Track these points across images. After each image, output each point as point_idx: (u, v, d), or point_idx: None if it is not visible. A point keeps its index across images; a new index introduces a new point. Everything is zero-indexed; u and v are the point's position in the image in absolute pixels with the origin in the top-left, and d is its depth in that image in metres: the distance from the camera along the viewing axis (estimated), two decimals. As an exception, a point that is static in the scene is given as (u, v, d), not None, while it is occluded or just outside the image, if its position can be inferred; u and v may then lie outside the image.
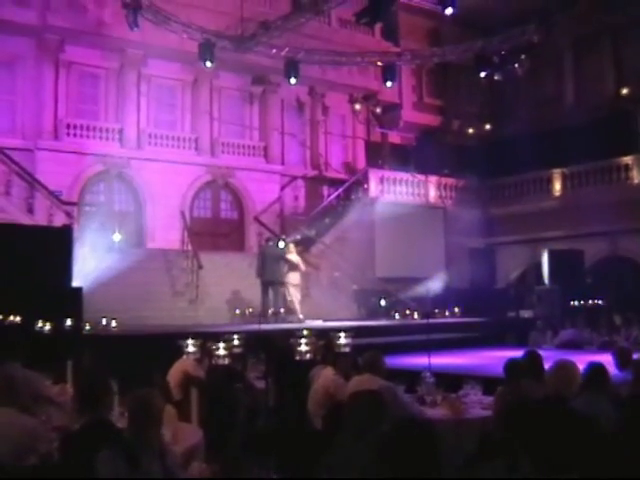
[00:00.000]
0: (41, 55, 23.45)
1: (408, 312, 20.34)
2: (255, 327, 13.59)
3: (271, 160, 27.24)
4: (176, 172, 24.94)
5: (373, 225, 24.43)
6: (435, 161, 26.98)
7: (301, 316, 18.17)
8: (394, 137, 30.74)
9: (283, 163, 27.78)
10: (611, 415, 5.41)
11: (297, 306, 18.43)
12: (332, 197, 26.71)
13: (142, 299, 18.13)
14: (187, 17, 21.53)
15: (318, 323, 16.72)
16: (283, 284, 18.39)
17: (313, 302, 20.06)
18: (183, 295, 19.44)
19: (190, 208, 25.50)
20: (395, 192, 26.15)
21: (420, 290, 21.62)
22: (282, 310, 18.22)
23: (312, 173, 28.60)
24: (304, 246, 21.56)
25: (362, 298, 22.15)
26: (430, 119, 31.42)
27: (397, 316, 20.09)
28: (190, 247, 20.75)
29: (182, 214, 23.76)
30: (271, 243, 19.23)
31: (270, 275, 18.24)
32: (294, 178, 27.94)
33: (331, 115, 29.70)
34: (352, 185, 26.47)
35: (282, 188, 27.35)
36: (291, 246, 19.06)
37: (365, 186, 25.95)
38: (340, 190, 26.51)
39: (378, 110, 30.14)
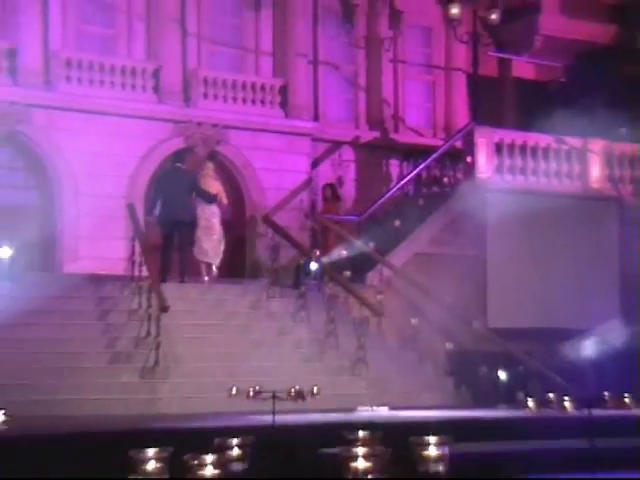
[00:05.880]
0: None
1: (552, 397, 11.42)
2: (265, 420, 7.88)
3: (294, 112, 17.01)
4: (117, 132, 15.31)
5: (483, 233, 14.68)
6: (603, 112, 14.98)
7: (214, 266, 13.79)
8: (523, 68, 19.43)
9: (316, 118, 17.66)
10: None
11: (216, 261, 13.80)
12: (406, 180, 16.64)
13: (54, 369, 10.47)
14: None
15: (382, 412, 10.46)
16: (195, 226, 13.57)
17: (372, 372, 11.89)
18: (130, 361, 11.04)
19: (145, 200, 15.11)
20: (526, 171, 15.56)
21: (575, 353, 12.69)
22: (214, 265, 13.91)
23: (370, 136, 18.26)
24: (355, 268, 13.58)
25: (463, 367, 13.23)
26: (595, 32, 18.59)
27: (531, 404, 11.28)
28: (145, 272, 11.79)
29: (130, 210, 13.23)
30: (179, 164, 13.85)
31: (177, 212, 13.09)
32: (336, 145, 17.94)
33: (406, 29, 18.67)
34: (443, 159, 16.52)
35: (314, 163, 17.57)
36: (210, 166, 14.45)
37: (468, 159, 15.52)
38: (421, 167, 16.44)
39: (494, 17, 17.10)
